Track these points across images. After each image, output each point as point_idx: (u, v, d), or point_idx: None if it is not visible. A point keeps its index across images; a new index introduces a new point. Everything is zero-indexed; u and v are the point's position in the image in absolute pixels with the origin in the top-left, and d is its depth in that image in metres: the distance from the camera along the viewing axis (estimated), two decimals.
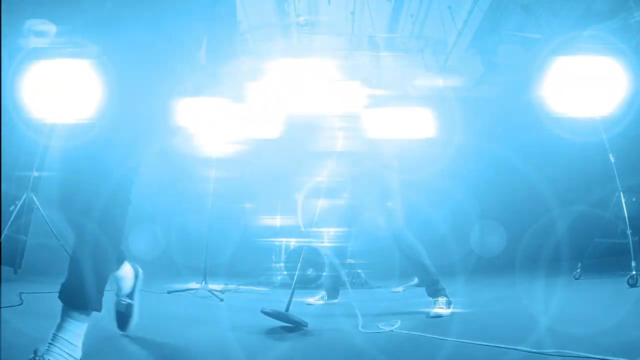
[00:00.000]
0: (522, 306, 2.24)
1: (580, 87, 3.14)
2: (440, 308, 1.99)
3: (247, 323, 1.64)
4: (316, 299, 2.49)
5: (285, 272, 3.91)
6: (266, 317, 1.58)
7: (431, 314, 1.97)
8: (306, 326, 1.54)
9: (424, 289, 2.18)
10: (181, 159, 6.25)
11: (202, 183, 6.49)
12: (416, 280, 3.57)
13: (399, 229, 2.17)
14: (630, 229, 2.55)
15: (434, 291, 2.09)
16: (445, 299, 2.05)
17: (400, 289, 3.27)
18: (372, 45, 5.32)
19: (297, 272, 2.10)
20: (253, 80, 5.60)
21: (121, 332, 1.35)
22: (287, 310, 1.61)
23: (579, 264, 2.89)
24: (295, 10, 5.44)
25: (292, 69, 5.39)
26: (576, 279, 2.88)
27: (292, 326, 1.52)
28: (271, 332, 1.52)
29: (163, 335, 1.45)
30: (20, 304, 1.75)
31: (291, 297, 1.69)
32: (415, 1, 5.48)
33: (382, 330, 1.57)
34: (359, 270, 4.19)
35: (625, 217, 2.62)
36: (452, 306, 2.02)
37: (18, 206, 2.51)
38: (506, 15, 5.60)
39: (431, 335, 1.45)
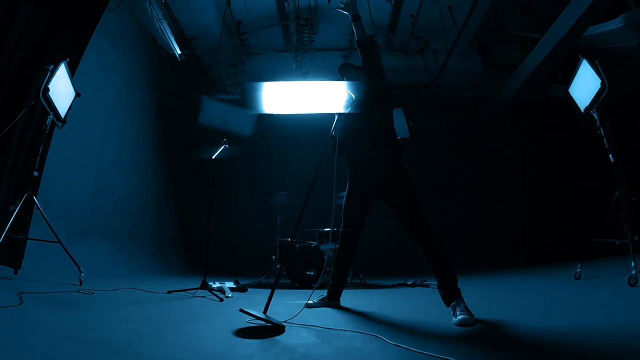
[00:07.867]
0: (522, 306, 2.24)
1: (578, 86, 3.13)
2: (464, 313, 1.70)
3: (246, 323, 1.64)
4: (315, 301, 2.43)
5: (284, 272, 3.91)
6: (265, 317, 1.58)
7: (455, 322, 1.67)
8: (282, 328, 1.55)
9: (439, 295, 1.94)
10: (181, 158, 6.28)
11: (202, 182, 6.52)
12: (415, 281, 3.58)
13: (421, 223, 2.01)
14: (630, 229, 2.55)
15: (453, 291, 1.88)
16: (464, 302, 1.81)
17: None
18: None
19: (279, 272, 2.12)
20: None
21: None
22: (265, 311, 1.62)
23: (579, 264, 2.90)
24: (295, 10, 5.44)
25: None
26: (576, 279, 2.88)
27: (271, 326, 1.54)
28: (271, 332, 1.52)
29: (163, 335, 1.45)
30: (20, 304, 1.75)
31: (269, 299, 1.68)
32: (415, 1, 5.48)
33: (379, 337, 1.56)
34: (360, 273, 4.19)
35: (625, 217, 2.62)
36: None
37: (18, 206, 2.51)
38: (506, 15, 5.61)
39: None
